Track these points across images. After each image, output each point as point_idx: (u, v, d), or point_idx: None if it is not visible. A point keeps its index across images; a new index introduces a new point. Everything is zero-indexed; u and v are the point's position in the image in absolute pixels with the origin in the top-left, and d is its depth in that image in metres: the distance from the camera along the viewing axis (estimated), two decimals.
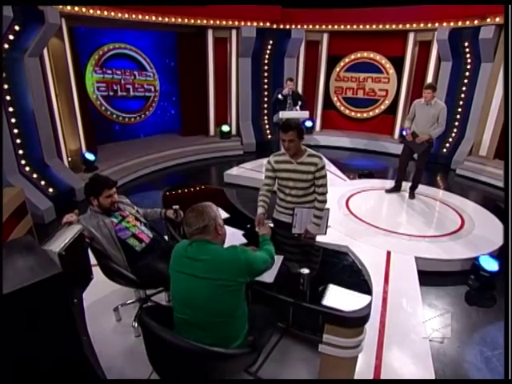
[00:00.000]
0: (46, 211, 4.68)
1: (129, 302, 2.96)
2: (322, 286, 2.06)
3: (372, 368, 2.43)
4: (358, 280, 2.13)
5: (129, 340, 2.69)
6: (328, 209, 2.80)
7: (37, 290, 1.51)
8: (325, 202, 2.72)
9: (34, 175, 4.91)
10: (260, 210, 2.70)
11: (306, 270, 1.94)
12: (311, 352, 2.55)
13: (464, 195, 5.57)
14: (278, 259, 2.34)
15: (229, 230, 2.70)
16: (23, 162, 4.85)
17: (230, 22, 7.28)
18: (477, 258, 3.59)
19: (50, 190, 4.97)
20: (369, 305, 1.86)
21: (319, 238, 2.93)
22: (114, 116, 7.53)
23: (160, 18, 6.48)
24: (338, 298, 1.95)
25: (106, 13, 5.67)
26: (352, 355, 1.91)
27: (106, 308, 2.91)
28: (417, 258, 3.71)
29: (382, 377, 2.40)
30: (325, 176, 2.69)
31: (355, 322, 1.81)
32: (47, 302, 1.58)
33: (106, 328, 2.80)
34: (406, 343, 2.70)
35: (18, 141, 4.75)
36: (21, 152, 4.81)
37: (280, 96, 6.12)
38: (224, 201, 3.31)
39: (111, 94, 7.36)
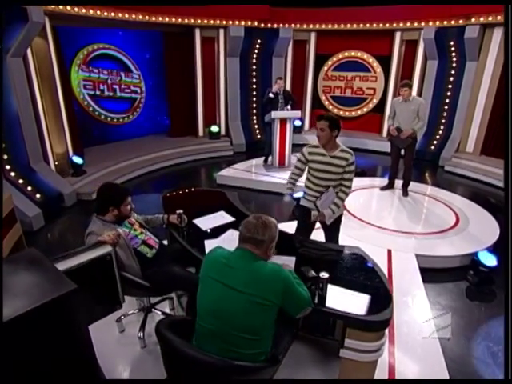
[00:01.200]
0: (34, 218, 4.48)
1: (131, 311, 2.85)
2: (338, 290, 2.03)
3: (386, 368, 2.42)
4: (374, 282, 2.10)
5: (134, 352, 2.60)
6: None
7: (46, 311, 1.36)
8: (348, 194, 2.92)
9: (20, 181, 4.70)
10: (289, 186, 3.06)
11: (325, 275, 1.89)
12: (323, 355, 2.53)
13: (454, 191, 5.69)
14: (290, 261, 2.31)
15: (235, 233, 2.67)
16: (8, 167, 4.63)
17: (218, 22, 7.18)
18: (475, 254, 3.64)
19: (38, 195, 4.78)
20: (391, 307, 1.84)
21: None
22: (97, 113, 7.25)
23: (147, 17, 6.31)
24: (357, 301, 1.92)
25: (91, 11, 5.48)
26: (373, 359, 1.89)
27: (108, 319, 2.77)
28: (417, 256, 3.74)
29: (397, 377, 2.39)
30: (353, 171, 2.85)
31: (379, 325, 1.78)
32: (58, 325, 1.43)
33: (108, 340, 2.69)
34: (416, 342, 2.70)
35: (3, 145, 4.52)
36: (5, 157, 4.59)
37: (271, 95, 6.07)
38: (226, 203, 3.24)
39: (98, 93, 7.14)
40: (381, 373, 2.35)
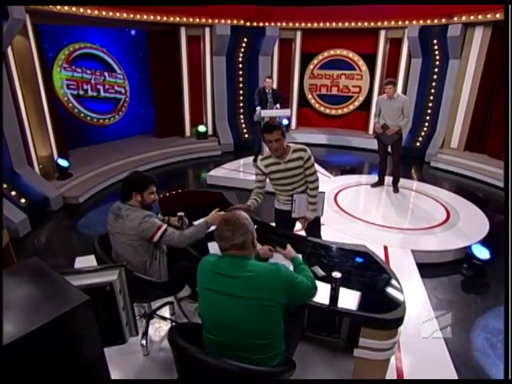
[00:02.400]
0: (20, 224, 4.30)
1: None
2: (348, 289, 2.02)
3: (394, 368, 2.42)
4: (384, 280, 2.10)
5: (137, 360, 2.52)
6: (323, 192, 2.94)
7: (57, 327, 1.26)
8: (317, 188, 2.83)
9: (4, 185, 4.49)
10: (249, 203, 2.77)
11: (337, 274, 1.87)
12: (329, 354, 2.52)
13: (441, 186, 5.81)
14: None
15: None
16: None
17: (204, 20, 7.09)
18: (469, 247, 3.72)
19: (23, 200, 4.59)
20: (404, 305, 1.84)
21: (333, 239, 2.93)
22: (76, 111, 6.99)
23: (131, 15, 6.16)
24: (368, 300, 1.92)
25: (74, 9, 5.29)
26: (387, 357, 1.89)
27: None
28: (413, 251, 3.79)
29: (405, 375, 2.40)
30: (312, 165, 2.78)
31: (394, 323, 1.78)
32: (71, 343, 1.33)
33: (109, 348, 2.59)
34: (420, 339, 2.70)
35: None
36: None
37: (258, 110, 5.95)
38: (226, 205, 3.18)
39: (81, 93, 6.92)
40: (390, 372, 2.35)
